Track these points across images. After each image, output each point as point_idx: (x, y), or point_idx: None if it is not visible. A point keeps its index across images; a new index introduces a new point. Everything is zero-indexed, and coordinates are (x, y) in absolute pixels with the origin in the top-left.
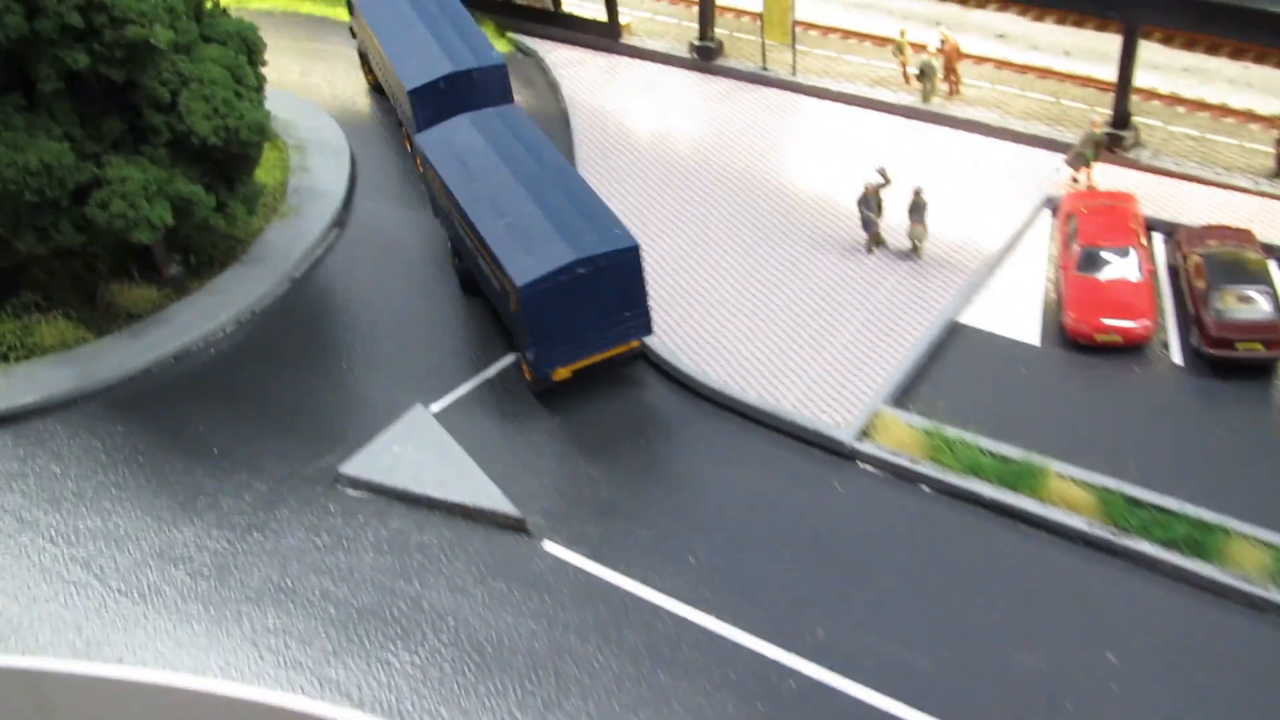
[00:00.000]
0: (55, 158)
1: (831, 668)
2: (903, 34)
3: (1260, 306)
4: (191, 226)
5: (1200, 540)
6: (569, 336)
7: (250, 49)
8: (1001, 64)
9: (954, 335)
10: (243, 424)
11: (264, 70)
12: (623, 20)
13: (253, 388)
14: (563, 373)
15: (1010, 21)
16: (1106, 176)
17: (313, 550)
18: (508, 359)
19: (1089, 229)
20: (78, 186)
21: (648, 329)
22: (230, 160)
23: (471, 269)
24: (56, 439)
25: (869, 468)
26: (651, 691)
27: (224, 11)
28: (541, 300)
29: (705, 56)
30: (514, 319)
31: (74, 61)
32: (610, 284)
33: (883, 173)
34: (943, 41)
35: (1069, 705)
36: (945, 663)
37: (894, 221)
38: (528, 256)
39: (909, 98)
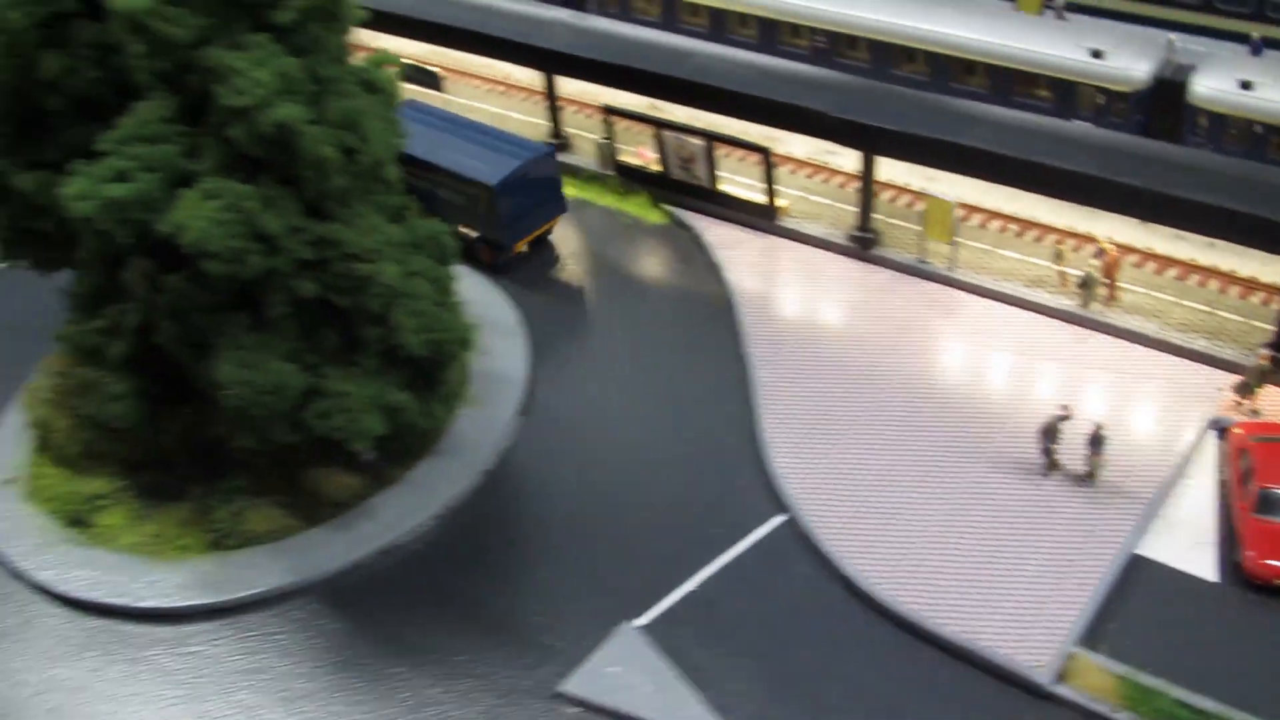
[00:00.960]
0: (285, 378)
1: None
2: (1061, 242)
3: None
4: (397, 429)
5: None
6: (521, 218)
7: (445, 255)
8: (1150, 256)
9: (1135, 569)
10: (454, 629)
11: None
12: (778, 202)
13: (459, 590)
14: (520, 246)
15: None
16: (1274, 403)
17: None
18: (709, 569)
19: (1266, 469)
20: (296, 400)
21: (564, 208)
22: (434, 366)
23: (447, 211)
24: (280, 634)
25: (1065, 711)
26: None
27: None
28: (506, 192)
29: (864, 246)
30: (485, 216)
31: (304, 290)
32: (541, 177)
33: (1065, 409)
34: (1102, 251)
35: None
36: None
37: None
38: (492, 169)
39: (1068, 302)
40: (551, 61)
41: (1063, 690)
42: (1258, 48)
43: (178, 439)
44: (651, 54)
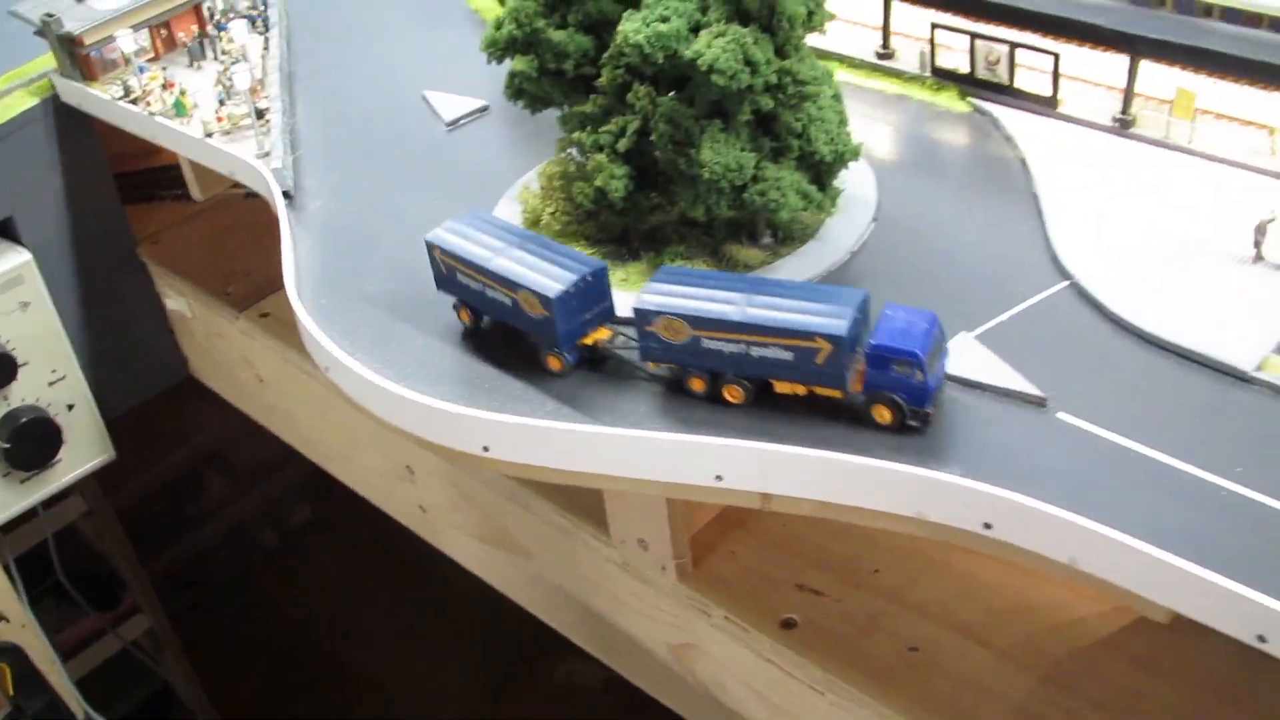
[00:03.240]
0: (744, 161)
1: None
2: None
3: None
4: (801, 212)
5: None
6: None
7: (840, 96)
8: None
9: None
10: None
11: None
12: (1059, 95)
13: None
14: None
15: None
16: None
17: None
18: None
19: None
20: (746, 180)
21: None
22: (830, 172)
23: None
24: None
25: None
26: None
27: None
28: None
29: (1125, 126)
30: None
31: (765, 104)
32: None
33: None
34: None
35: None
36: None
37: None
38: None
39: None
40: None
41: (1262, 375)
42: None
43: (635, 221)
44: None
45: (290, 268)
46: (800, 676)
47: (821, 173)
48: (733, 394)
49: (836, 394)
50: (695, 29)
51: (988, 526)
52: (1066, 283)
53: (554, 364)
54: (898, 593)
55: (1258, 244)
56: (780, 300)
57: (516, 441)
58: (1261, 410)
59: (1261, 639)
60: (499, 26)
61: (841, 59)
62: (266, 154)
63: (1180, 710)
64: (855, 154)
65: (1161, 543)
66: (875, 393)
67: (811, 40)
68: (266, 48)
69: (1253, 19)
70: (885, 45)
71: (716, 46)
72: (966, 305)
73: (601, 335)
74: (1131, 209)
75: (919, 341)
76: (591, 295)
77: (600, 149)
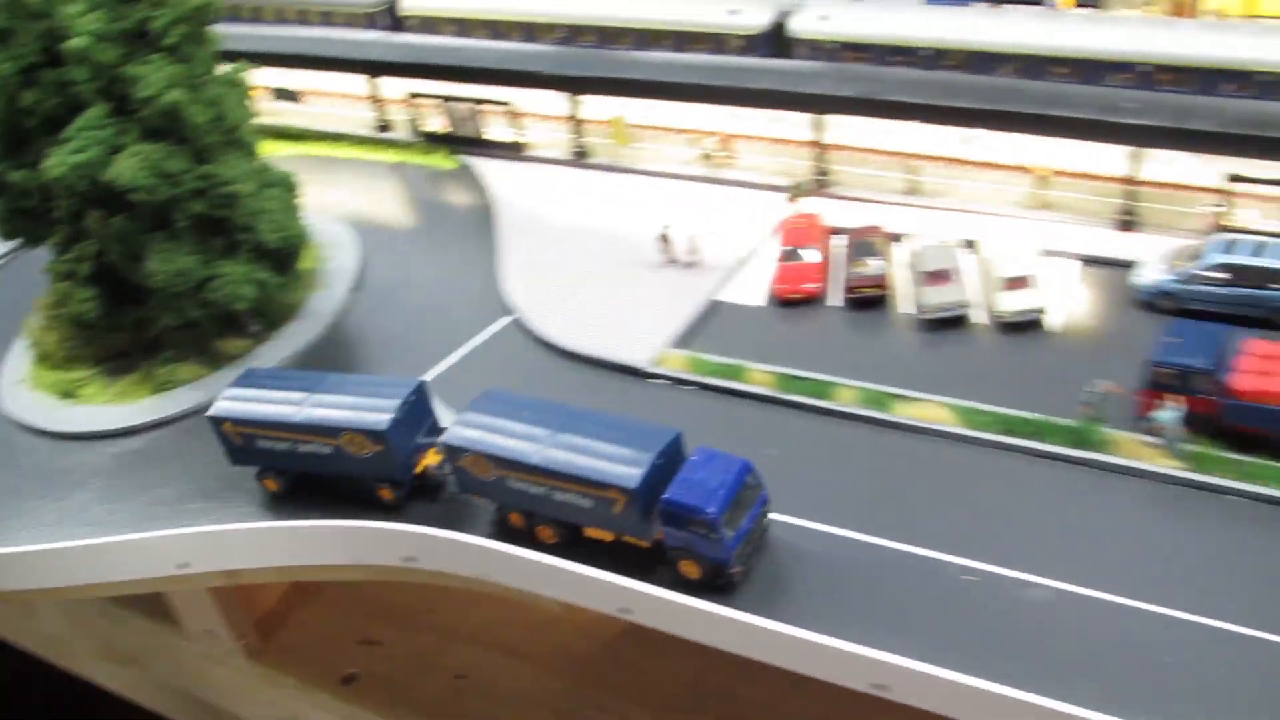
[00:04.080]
0: (188, 265)
1: None
2: (700, 136)
3: (872, 268)
4: (266, 298)
5: (819, 389)
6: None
7: (290, 188)
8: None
9: (714, 307)
10: None
11: (303, 198)
12: (525, 140)
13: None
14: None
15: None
16: (815, 205)
17: None
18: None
19: (789, 237)
20: (198, 281)
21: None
22: (286, 257)
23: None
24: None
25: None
26: None
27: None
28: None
29: (580, 157)
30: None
31: (195, 208)
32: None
33: (668, 226)
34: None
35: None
36: None
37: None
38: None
39: (700, 170)
40: (374, 69)
41: (658, 369)
42: None
43: (130, 336)
44: (443, 54)
45: None
46: None
47: (282, 259)
48: (544, 534)
49: (643, 543)
50: (118, 151)
51: (409, 559)
52: (511, 317)
53: (386, 495)
54: (448, 627)
55: (665, 251)
56: (584, 441)
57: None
58: (659, 399)
59: None
60: None
61: (345, 138)
62: None
63: (700, 679)
64: (304, 238)
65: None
66: (677, 548)
67: (320, 124)
68: None
69: (674, 45)
70: (382, 119)
71: (129, 166)
72: (426, 352)
73: (431, 460)
74: (573, 234)
75: (716, 498)
76: (418, 414)
77: (67, 276)
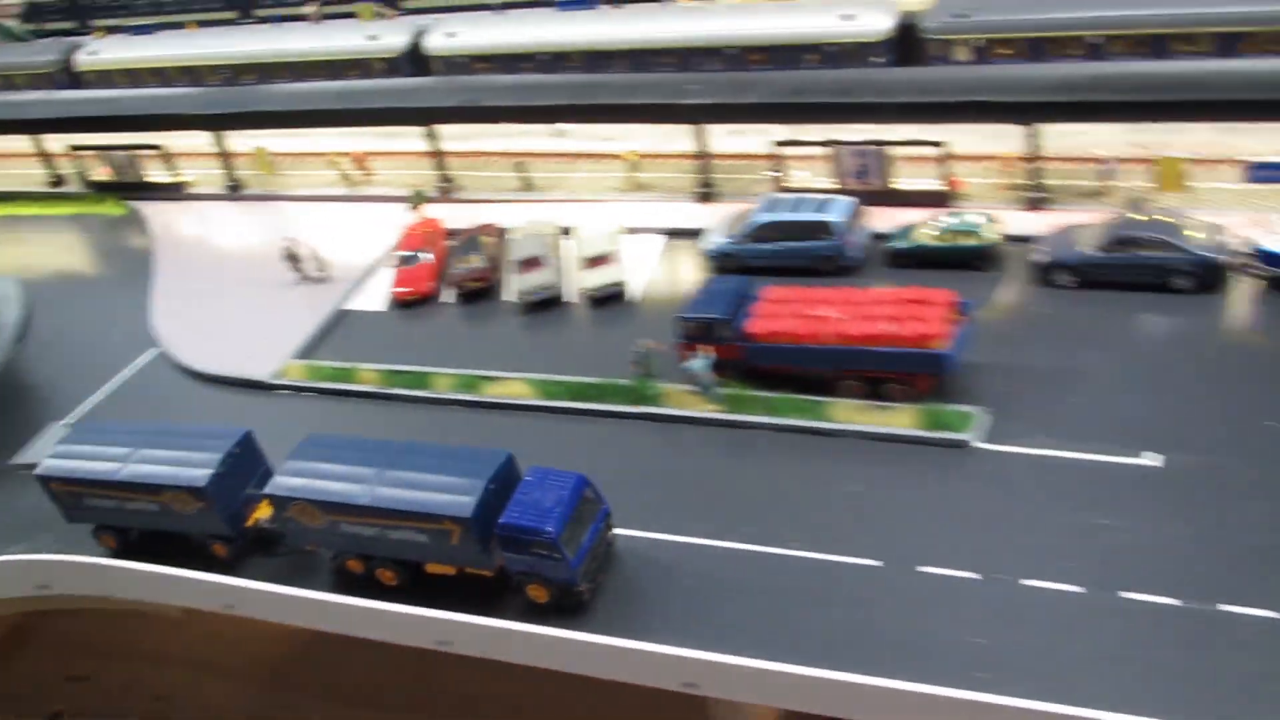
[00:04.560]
0: None
1: None
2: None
3: (475, 263)
4: None
5: (419, 380)
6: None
7: None
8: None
9: (341, 316)
10: None
11: None
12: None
13: None
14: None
15: None
16: (438, 210)
17: None
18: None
19: (407, 242)
20: None
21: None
22: None
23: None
24: None
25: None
26: None
27: None
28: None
29: (234, 190)
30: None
31: None
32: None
33: (292, 240)
34: (352, 156)
35: None
36: None
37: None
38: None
39: (340, 189)
40: (37, 127)
41: (280, 381)
42: None
43: None
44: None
45: None
46: None
47: None
48: (385, 577)
49: (486, 573)
50: None
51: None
52: (157, 350)
53: (219, 551)
54: (152, 653)
55: (296, 268)
56: (413, 475)
57: None
58: (282, 408)
59: None
60: None
61: (19, 197)
62: None
63: (385, 673)
64: None
65: None
66: (521, 573)
67: None
68: None
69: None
70: (54, 174)
71: None
72: (74, 395)
73: (264, 513)
74: (222, 263)
75: (554, 517)
76: (245, 467)
77: None
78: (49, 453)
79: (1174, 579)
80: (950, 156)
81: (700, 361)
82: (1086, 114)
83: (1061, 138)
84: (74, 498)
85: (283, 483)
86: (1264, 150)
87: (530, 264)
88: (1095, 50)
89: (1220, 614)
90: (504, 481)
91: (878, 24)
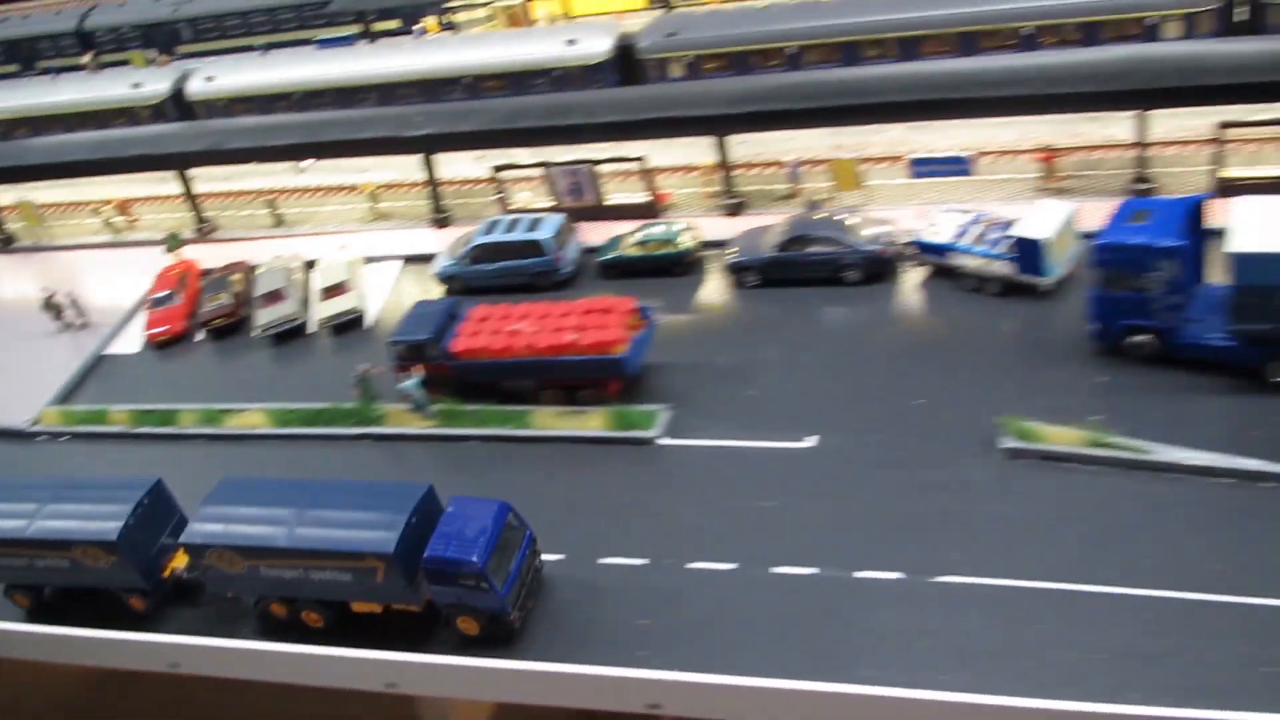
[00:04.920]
0: None
1: None
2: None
3: (223, 301)
4: None
5: (166, 418)
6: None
7: None
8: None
9: (103, 360)
10: None
11: None
12: None
13: None
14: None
15: None
16: (197, 251)
17: None
18: None
19: (160, 284)
20: None
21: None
22: None
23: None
24: None
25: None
26: None
27: None
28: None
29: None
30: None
31: None
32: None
33: (50, 290)
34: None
35: None
36: None
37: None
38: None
39: (106, 236)
40: None
41: (36, 428)
42: None
43: None
44: None
45: None
46: None
47: None
48: (311, 619)
49: (414, 608)
50: None
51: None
52: None
53: (137, 605)
54: None
55: (57, 317)
56: (333, 514)
57: None
58: (44, 454)
59: None
60: None
61: None
62: None
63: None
64: None
65: None
66: (450, 605)
67: None
68: None
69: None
70: None
71: None
72: None
73: (180, 562)
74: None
75: (478, 547)
76: (158, 516)
77: None
78: None
79: (816, 551)
80: (653, 170)
81: (412, 381)
82: (778, 122)
83: (765, 144)
84: None
85: (198, 529)
86: (947, 145)
87: (272, 297)
88: (794, 60)
89: (855, 580)
90: (425, 514)
91: (598, 47)
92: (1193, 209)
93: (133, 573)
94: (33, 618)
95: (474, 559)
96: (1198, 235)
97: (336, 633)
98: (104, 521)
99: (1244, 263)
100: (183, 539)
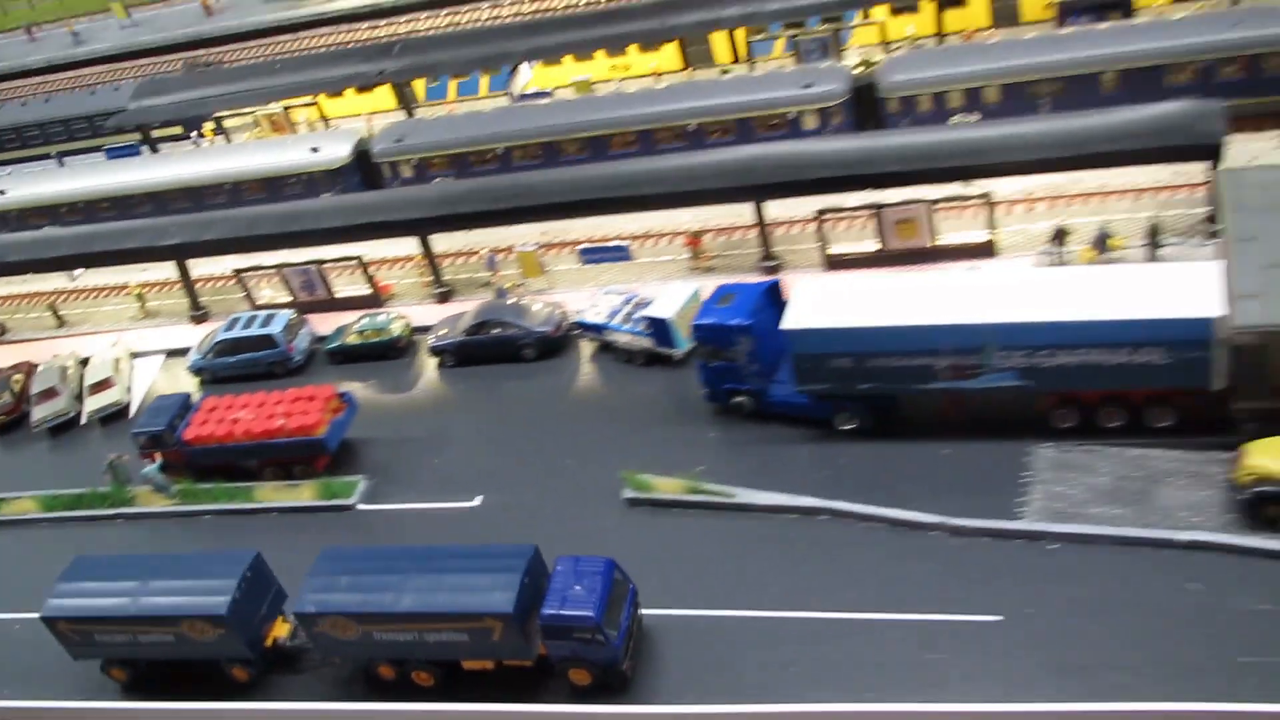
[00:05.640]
0: None
1: None
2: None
3: (4, 399)
4: None
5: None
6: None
7: None
8: None
9: None
10: None
11: None
12: None
13: None
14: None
15: None
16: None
17: None
18: None
19: None
20: None
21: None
22: None
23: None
24: None
25: None
26: None
27: None
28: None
29: None
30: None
31: None
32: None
33: None
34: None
35: None
36: None
37: None
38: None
39: None
40: None
41: None
42: None
43: None
44: None
45: None
46: None
47: None
48: (421, 679)
49: (526, 663)
50: None
51: None
52: None
53: (240, 675)
54: None
55: None
56: (445, 578)
57: None
58: None
59: None
60: None
61: None
62: None
63: None
64: None
65: None
66: (564, 659)
67: None
68: None
69: None
70: None
71: None
72: None
73: (280, 632)
74: None
75: (594, 603)
76: (259, 588)
77: None
78: (52, 592)
79: None
80: (371, 264)
81: (153, 467)
82: (469, 222)
83: (474, 235)
84: (82, 636)
85: (312, 599)
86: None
87: (47, 394)
88: (504, 159)
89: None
90: (534, 574)
91: (338, 153)
92: (772, 290)
93: (240, 644)
94: (128, 692)
95: (591, 614)
96: (778, 311)
97: (447, 690)
98: (212, 596)
99: (795, 336)
100: (298, 609)
